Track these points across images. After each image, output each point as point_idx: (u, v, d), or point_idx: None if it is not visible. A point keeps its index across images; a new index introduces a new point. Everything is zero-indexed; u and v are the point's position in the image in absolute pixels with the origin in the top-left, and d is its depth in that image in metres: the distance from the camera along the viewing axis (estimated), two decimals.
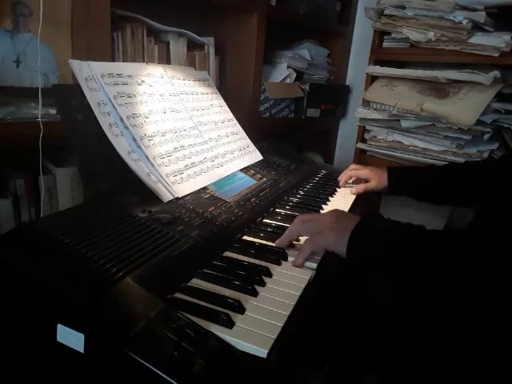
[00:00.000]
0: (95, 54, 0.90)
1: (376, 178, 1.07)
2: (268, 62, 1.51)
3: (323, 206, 0.97)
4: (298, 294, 0.60)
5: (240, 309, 0.53)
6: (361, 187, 1.08)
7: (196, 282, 0.59)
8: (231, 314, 0.52)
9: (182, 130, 0.92)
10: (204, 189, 0.87)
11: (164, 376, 0.41)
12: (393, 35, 1.48)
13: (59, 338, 0.47)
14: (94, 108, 0.76)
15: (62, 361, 0.50)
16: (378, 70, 1.52)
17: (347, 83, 1.88)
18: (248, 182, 1.00)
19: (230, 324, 0.50)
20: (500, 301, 0.55)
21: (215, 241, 0.70)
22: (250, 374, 0.45)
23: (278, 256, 0.69)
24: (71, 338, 0.46)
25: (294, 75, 1.57)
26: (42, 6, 0.81)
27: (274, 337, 0.49)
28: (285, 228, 0.80)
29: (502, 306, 0.56)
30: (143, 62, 1.06)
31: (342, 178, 1.14)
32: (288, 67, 1.54)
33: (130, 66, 0.90)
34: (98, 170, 0.75)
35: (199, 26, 1.33)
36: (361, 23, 1.76)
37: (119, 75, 0.84)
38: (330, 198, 1.04)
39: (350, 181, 1.16)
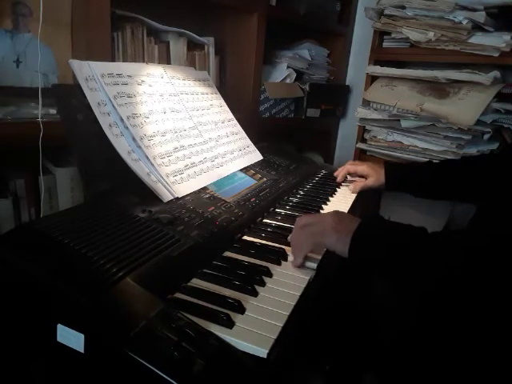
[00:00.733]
0: (95, 54, 0.89)
1: (374, 175, 1.07)
2: (268, 62, 1.51)
3: (323, 205, 0.97)
4: (298, 294, 0.60)
5: (240, 309, 0.53)
6: (359, 184, 1.08)
7: (196, 282, 0.59)
8: (231, 313, 0.52)
9: (181, 129, 0.92)
10: (204, 189, 0.87)
11: (164, 376, 0.41)
12: (393, 35, 1.48)
13: (59, 338, 0.47)
14: (93, 108, 0.76)
15: (62, 361, 0.50)
16: (378, 70, 1.52)
17: (347, 83, 1.87)
18: (248, 182, 1.00)
19: (229, 324, 0.50)
20: (501, 300, 0.55)
21: (215, 241, 0.70)
22: (250, 374, 0.45)
23: (278, 256, 0.69)
24: (71, 338, 0.46)
25: (294, 75, 1.57)
26: (42, 6, 0.81)
27: (274, 337, 0.49)
28: (285, 228, 0.80)
29: (503, 306, 0.56)
30: (143, 62, 1.06)
31: (339, 173, 1.15)
32: (288, 67, 1.54)
33: (130, 66, 0.90)
34: (98, 170, 0.75)
35: (199, 26, 1.32)
36: (361, 23, 1.76)
37: (119, 75, 0.84)
38: (330, 198, 1.04)
39: (348, 177, 1.16)
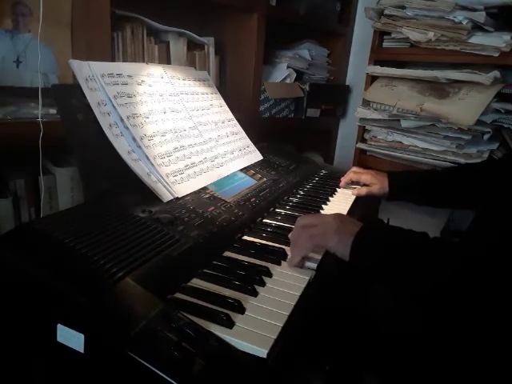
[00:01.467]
0: (95, 54, 0.90)
1: (378, 184, 1.07)
2: (268, 62, 1.51)
3: (323, 206, 0.97)
4: (298, 293, 0.60)
5: (240, 309, 0.53)
6: (363, 190, 1.08)
7: (196, 282, 0.59)
8: (231, 313, 0.52)
9: (181, 129, 0.92)
10: (204, 189, 0.87)
11: (164, 376, 0.41)
12: (393, 35, 1.48)
13: (59, 338, 0.47)
14: (93, 108, 0.76)
15: (62, 361, 0.50)
16: (378, 70, 1.52)
17: (347, 83, 1.88)
18: (248, 182, 1.00)
19: (229, 324, 0.50)
20: (498, 307, 0.55)
21: (215, 241, 0.70)
22: (250, 374, 0.45)
23: (278, 256, 0.69)
24: (71, 337, 0.46)
25: (294, 75, 1.57)
26: (42, 6, 0.81)
27: (274, 337, 0.49)
28: (285, 228, 0.80)
29: (501, 312, 0.56)
30: (143, 62, 1.06)
31: (343, 180, 1.14)
32: (288, 67, 1.54)
33: (130, 66, 0.90)
34: (98, 170, 0.75)
35: (199, 26, 1.32)
36: (361, 23, 1.76)
37: (119, 75, 0.84)
38: (330, 198, 1.04)
39: (352, 185, 1.15)
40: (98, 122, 0.76)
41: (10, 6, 0.88)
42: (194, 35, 1.23)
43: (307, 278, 0.64)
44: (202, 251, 0.66)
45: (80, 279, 0.50)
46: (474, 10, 1.26)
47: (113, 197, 0.72)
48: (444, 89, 1.39)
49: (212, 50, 1.31)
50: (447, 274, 0.57)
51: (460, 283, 0.56)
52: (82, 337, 0.46)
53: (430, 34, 1.34)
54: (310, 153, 1.82)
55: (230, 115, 1.14)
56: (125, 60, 1.05)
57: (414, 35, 1.38)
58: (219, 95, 1.15)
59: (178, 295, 0.55)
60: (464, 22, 1.27)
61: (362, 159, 1.62)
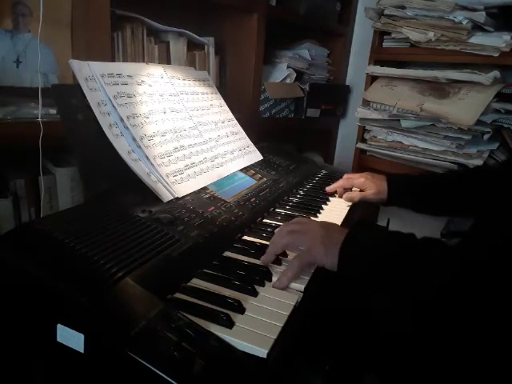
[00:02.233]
0: (95, 54, 0.90)
1: (374, 188, 0.99)
2: (268, 62, 1.51)
3: (323, 206, 0.97)
4: (298, 293, 0.60)
5: (240, 309, 0.53)
6: (356, 195, 1.00)
7: (196, 282, 0.59)
8: (231, 313, 0.52)
9: (181, 129, 0.92)
10: (204, 189, 0.87)
11: (164, 376, 0.41)
12: (393, 35, 1.48)
13: (59, 338, 0.47)
14: (93, 108, 0.76)
15: (62, 361, 0.50)
16: (378, 70, 1.52)
17: (347, 83, 1.88)
18: (248, 181, 1.00)
19: (229, 324, 0.50)
20: (499, 308, 0.55)
21: (215, 241, 0.70)
22: (250, 373, 0.45)
23: (278, 256, 0.69)
24: (71, 337, 0.46)
25: (294, 75, 1.57)
26: (42, 6, 0.81)
27: (274, 337, 0.49)
28: None
29: (502, 313, 0.56)
30: (143, 62, 1.06)
31: (330, 188, 1.06)
32: (288, 67, 1.54)
33: (130, 66, 0.90)
34: (98, 170, 0.75)
35: (199, 26, 1.32)
36: (361, 23, 1.76)
37: (119, 75, 0.84)
38: (330, 198, 1.03)
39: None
40: (98, 122, 0.76)
41: (9, 6, 0.88)
42: (194, 35, 1.23)
43: (307, 277, 0.64)
44: (201, 251, 0.66)
45: (80, 279, 0.50)
46: (474, 10, 1.26)
47: (113, 197, 0.72)
48: (444, 89, 1.38)
49: (212, 50, 1.31)
50: (447, 276, 0.56)
51: (460, 284, 0.55)
52: (81, 337, 0.46)
53: (430, 34, 1.34)
54: (310, 153, 1.82)
55: (230, 115, 1.14)
56: (125, 60, 1.05)
57: (414, 35, 1.38)
58: (219, 95, 1.15)
59: (178, 295, 0.55)
60: (464, 22, 1.27)
61: (362, 159, 1.62)
